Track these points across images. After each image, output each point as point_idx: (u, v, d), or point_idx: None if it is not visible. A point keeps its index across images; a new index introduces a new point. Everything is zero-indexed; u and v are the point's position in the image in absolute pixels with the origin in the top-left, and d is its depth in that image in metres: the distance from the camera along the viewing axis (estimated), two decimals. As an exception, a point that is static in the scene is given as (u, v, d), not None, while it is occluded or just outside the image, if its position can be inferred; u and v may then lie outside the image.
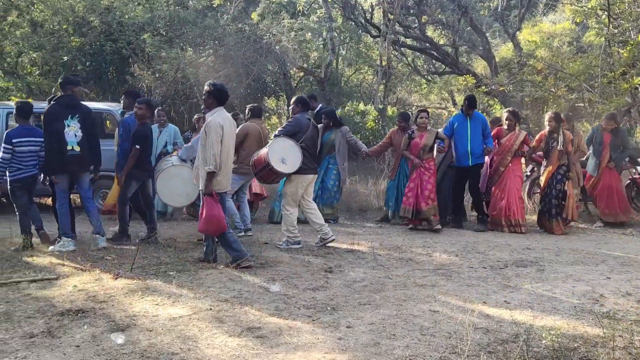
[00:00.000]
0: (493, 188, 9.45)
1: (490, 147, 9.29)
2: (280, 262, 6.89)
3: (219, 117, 6.38)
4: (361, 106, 22.49)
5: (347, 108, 21.31)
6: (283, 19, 13.12)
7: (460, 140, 9.37)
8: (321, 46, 16.78)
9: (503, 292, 5.86)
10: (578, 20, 17.47)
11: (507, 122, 9.45)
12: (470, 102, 9.44)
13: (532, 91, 14.14)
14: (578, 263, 7.15)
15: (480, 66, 20.28)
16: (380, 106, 14.70)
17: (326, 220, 9.37)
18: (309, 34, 16.62)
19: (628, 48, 12.53)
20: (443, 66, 19.14)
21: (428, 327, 4.79)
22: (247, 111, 9.12)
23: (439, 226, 9.18)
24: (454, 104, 23.23)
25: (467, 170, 9.49)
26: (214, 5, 13.15)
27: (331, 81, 17.81)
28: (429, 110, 12.07)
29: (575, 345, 4.45)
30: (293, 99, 7.91)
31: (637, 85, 11.96)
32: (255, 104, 9.76)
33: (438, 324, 4.86)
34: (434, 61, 19.92)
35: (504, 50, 20.33)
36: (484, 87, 15.05)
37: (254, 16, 13.16)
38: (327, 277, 6.24)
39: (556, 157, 9.11)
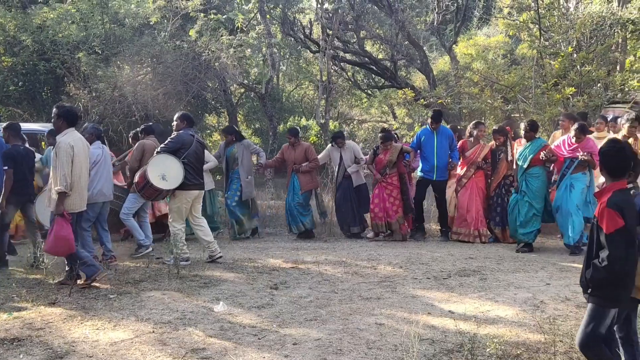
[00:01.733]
0: (458, 198, 9.60)
1: (455, 163, 9.50)
2: (225, 280, 6.83)
3: (70, 138, 6.40)
4: (303, 121, 22.64)
5: (289, 123, 21.42)
6: (221, 36, 13.08)
7: (427, 154, 9.54)
8: (261, 62, 16.79)
9: (447, 302, 5.96)
10: (511, 34, 18.12)
11: (468, 134, 9.70)
12: (435, 117, 9.61)
13: (470, 103, 14.53)
14: (519, 271, 7.34)
15: (419, 79, 20.71)
16: (322, 121, 14.80)
17: (239, 234, 9.64)
18: (249, 50, 16.62)
19: (559, 60, 13.02)
20: (383, 80, 19.45)
21: (374, 340, 4.83)
22: (140, 130, 8.92)
23: (404, 237, 9.48)
24: (394, 117, 23.64)
25: (429, 183, 9.71)
26: (151, 23, 13.00)
27: (272, 97, 17.84)
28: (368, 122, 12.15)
29: (518, 352, 4.57)
30: (176, 115, 7.86)
31: (569, 96, 12.42)
32: (150, 123, 9.79)
33: (384, 336, 4.91)
34: (373, 75, 20.22)
35: (441, 64, 20.86)
36: (422, 100, 15.37)
37: (192, 33, 13.07)
38: (272, 294, 6.21)
39: (503, 168, 9.37)
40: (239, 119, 21.94)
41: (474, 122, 10.05)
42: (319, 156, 10.27)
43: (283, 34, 18.29)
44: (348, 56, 19.31)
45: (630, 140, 7.81)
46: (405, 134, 21.01)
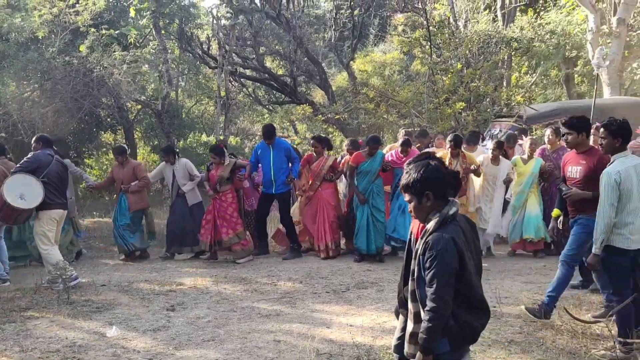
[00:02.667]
0: (304, 212, 9.55)
1: (293, 177, 9.39)
2: (119, 304, 6.63)
3: None
4: (204, 137, 22.40)
5: (189, 140, 21.12)
6: (114, 51, 12.74)
7: (264, 168, 9.45)
8: (157, 78, 16.47)
9: (346, 316, 6.07)
10: (405, 50, 18.85)
11: (313, 148, 9.62)
12: (265, 133, 9.51)
13: (366, 118, 14.91)
14: (414, 280, 7.57)
15: (319, 95, 21.03)
16: (222, 137, 14.69)
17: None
18: (146, 65, 16.28)
19: (449, 76, 13.65)
20: (283, 96, 19.61)
21: (272, 358, 4.85)
22: None
23: (249, 257, 9.24)
24: (296, 132, 23.88)
25: (271, 198, 9.57)
26: (39, 38, 12.46)
27: (171, 113, 17.51)
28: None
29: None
30: (34, 138, 7.73)
31: (460, 110, 13.03)
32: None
33: (282, 353, 4.94)
34: (274, 91, 20.34)
35: (340, 79, 21.30)
36: (320, 115, 15.62)
37: (82, 48, 12.63)
38: (169, 316, 6.10)
39: None
40: (136, 136, 21.39)
41: (312, 136, 10.26)
42: (151, 174, 10.06)
43: (181, 50, 18.06)
44: (248, 72, 19.33)
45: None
46: (307, 149, 21.30)
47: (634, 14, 15.76)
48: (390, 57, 20.70)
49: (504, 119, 12.39)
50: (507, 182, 9.14)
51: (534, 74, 17.72)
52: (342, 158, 10.21)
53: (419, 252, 3.10)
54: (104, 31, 13.06)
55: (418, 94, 14.19)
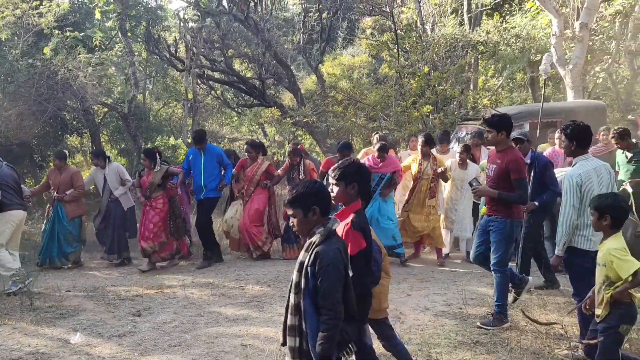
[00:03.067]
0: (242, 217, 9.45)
1: (225, 183, 9.29)
2: (83, 310, 6.55)
3: None
4: (172, 140, 22.21)
5: (157, 143, 20.91)
6: (79, 54, 12.55)
7: (195, 174, 9.32)
8: (123, 81, 16.28)
9: (313, 318, 6.08)
10: (373, 54, 18.96)
11: (247, 153, 9.56)
12: (195, 138, 9.43)
13: (335, 121, 14.94)
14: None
15: (288, 98, 21.02)
16: (189, 140, 14.55)
17: None
18: (113, 68, 16.08)
19: (417, 79, 13.78)
20: (252, 99, 19.56)
21: (239, 362, 4.85)
22: None
23: (163, 263, 9.12)
24: (265, 135, 23.83)
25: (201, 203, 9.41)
26: (1, 40, 12.22)
27: (138, 116, 17.33)
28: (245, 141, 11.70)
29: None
30: None
31: (427, 113, 13.15)
32: None
33: (249, 357, 4.94)
34: (243, 94, 20.27)
35: (309, 82, 21.32)
36: (288, 118, 15.59)
37: (46, 51, 12.44)
38: (135, 322, 6.05)
39: None
40: (103, 139, 21.10)
41: (246, 142, 10.15)
42: (85, 180, 9.85)
43: (148, 52, 17.88)
44: (216, 75, 19.23)
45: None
46: (276, 152, 21.26)
47: (596, 18, 16.10)
48: (358, 60, 20.79)
49: (470, 122, 12.52)
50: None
51: (500, 77, 17.98)
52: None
53: (305, 263, 3.20)
54: (68, 33, 12.91)
55: (386, 97, 14.29)
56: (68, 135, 19.10)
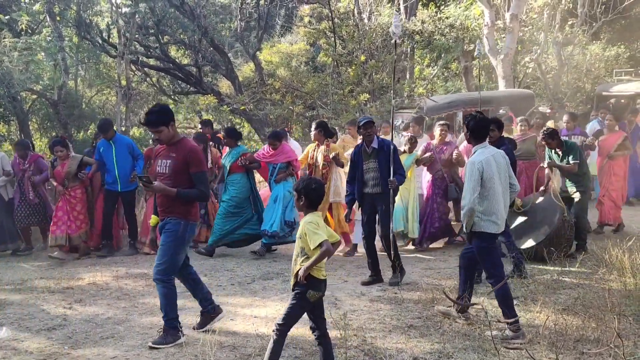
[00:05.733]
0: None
1: (136, 174, 8.93)
2: (10, 303, 6.32)
3: None
4: (105, 129, 21.57)
5: (90, 131, 20.29)
6: (4, 38, 12.00)
7: (108, 165, 9.10)
8: (53, 67, 15.67)
9: (250, 307, 6.07)
10: (311, 42, 18.95)
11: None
12: (100, 127, 9.21)
13: (273, 109, 14.85)
14: (319, 269, 7.63)
15: (225, 85, 20.78)
16: (123, 128, 14.20)
17: None
18: (42, 53, 15.44)
19: (353, 68, 13.84)
20: (189, 86, 19.24)
21: (174, 352, 4.80)
22: None
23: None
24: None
25: (116, 195, 9.21)
26: None
27: (69, 103, 16.76)
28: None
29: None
30: None
31: (364, 101, 13.23)
32: None
33: (184, 347, 4.88)
34: (179, 81, 19.91)
35: (247, 70, 21.14)
36: (226, 106, 15.41)
37: (-31, 34, 11.87)
38: (65, 315, 5.87)
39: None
40: (32, 128, 20.31)
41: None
42: None
43: (79, 38, 17.28)
44: (151, 61, 18.81)
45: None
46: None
47: (526, 10, 16.59)
48: (296, 48, 20.75)
49: (406, 111, 12.70)
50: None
51: (435, 67, 18.30)
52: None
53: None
54: (-8, 16, 12.31)
55: (324, 85, 14.30)
56: (-6, 123, 18.33)
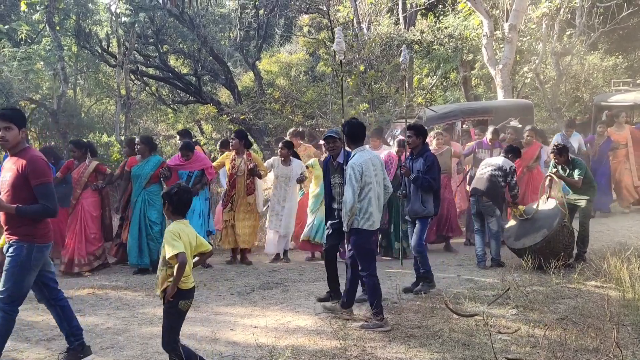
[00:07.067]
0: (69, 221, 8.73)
1: None
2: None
3: None
4: (105, 138, 21.62)
5: (88, 140, 20.35)
6: (4, 47, 12.06)
7: None
8: (52, 76, 15.73)
9: (250, 317, 6.09)
10: (310, 51, 19.04)
11: (72, 152, 8.97)
12: None
13: (272, 119, 14.93)
14: (319, 280, 7.64)
15: (225, 95, 20.85)
16: (122, 137, 14.23)
17: None
18: (41, 62, 15.52)
19: (353, 77, 13.91)
20: (188, 95, 19.29)
21: (173, 362, 4.78)
22: None
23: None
24: (202, 132, 23.53)
25: None
26: None
27: (68, 112, 16.82)
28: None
29: (314, 359, 4.81)
30: None
31: (363, 111, 13.27)
32: None
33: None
34: (178, 90, 19.98)
35: (246, 79, 21.21)
36: (225, 116, 15.46)
37: (-35, 44, 11.93)
38: (65, 325, 5.86)
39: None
40: (31, 137, 20.36)
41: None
42: None
43: (78, 47, 17.37)
44: (150, 71, 18.87)
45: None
46: (213, 149, 21.02)
47: (525, 20, 16.67)
48: (296, 57, 20.84)
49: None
50: (301, 181, 9.05)
51: (434, 76, 18.37)
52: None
53: None
54: (-9, 26, 12.38)
55: (323, 94, 14.36)
56: (-7, 132, 18.34)
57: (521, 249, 7.79)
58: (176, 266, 4.12)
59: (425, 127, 7.57)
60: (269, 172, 9.23)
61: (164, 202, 4.41)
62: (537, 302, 6.24)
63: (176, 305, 4.24)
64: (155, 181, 8.60)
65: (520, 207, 8.30)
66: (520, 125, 11.37)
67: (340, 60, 8.13)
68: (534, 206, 8.22)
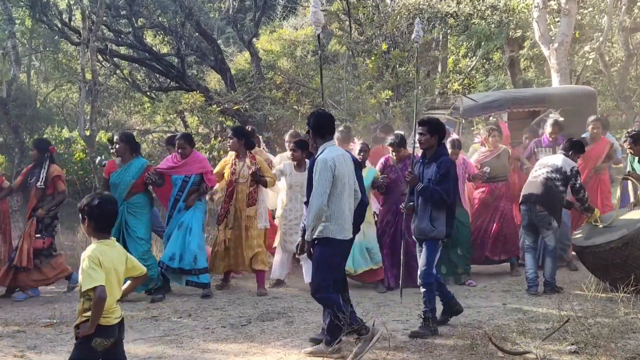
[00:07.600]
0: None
1: None
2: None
3: None
4: (65, 132, 21.71)
5: (45, 135, 20.43)
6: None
7: None
8: (1, 56, 15.86)
9: (246, 355, 6.11)
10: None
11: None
12: None
13: (273, 109, 14.81)
14: (330, 308, 7.65)
15: (214, 80, 20.87)
16: (87, 132, 14.23)
17: None
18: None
19: (373, 58, 13.88)
20: (169, 80, 19.31)
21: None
22: None
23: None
24: (185, 126, 23.58)
25: None
26: None
27: (20, 101, 16.94)
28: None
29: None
30: None
31: (385, 100, 13.25)
32: None
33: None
34: (157, 74, 20.03)
35: (241, 61, 21.23)
36: (215, 105, 15.37)
37: None
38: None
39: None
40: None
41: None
42: None
43: (34, 21, 17.48)
44: (122, 50, 18.94)
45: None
46: (200, 147, 21.07)
47: (587, -12, 16.65)
48: (302, 34, 20.80)
49: (437, 112, 12.71)
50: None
51: (474, 57, 18.34)
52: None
53: None
54: None
55: (336, 80, 14.35)
56: None
57: (587, 248, 7.73)
58: (94, 300, 4.02)
59: (443, 123, 7.31)
60: (278, 180, 9.00)
61: (82, 218, 4.26)
62: (601, 337, 6.20)
63: (88, 342, 4.11)
64: (140, 190, 8.48)
65: (596, 211, 8.25)
66: (562, 119, 11.28)
67: (318, 35, 8.09)
68: (617, 214, 8.21)
